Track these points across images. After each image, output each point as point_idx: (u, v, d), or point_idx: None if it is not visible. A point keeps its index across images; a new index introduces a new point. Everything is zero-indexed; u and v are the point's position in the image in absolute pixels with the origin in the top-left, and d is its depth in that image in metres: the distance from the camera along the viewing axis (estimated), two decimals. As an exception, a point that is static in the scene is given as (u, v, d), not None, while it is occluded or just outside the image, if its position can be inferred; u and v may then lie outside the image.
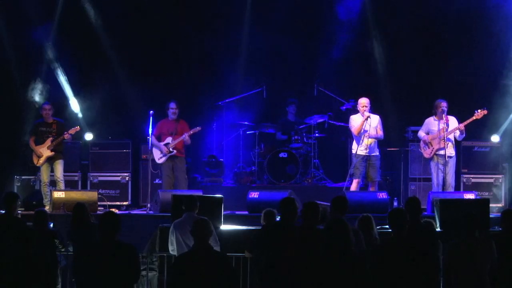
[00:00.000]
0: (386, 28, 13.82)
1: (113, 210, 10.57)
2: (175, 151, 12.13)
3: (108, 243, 6.29)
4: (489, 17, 13.19)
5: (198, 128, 12.35)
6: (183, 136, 12.13)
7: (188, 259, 6.32)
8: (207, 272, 6.14)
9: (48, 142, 12.08)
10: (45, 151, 12.07)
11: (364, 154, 11.65)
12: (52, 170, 12.15)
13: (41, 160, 12.08)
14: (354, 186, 11.72)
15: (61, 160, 12.17)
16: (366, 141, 11.61)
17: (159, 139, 12.25)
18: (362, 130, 11.59)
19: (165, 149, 12.09)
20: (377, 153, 11.81)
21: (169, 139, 12.17)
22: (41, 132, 12.19)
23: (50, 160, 12.12)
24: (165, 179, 12.26)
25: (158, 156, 12.20)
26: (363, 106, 11.63)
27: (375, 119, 11.73)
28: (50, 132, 12.16)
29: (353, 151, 11.74)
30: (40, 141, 12.13)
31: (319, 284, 5.96)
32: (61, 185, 12.06)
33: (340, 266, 5.87)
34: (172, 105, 12.29)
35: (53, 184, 12.19)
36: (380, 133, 11.77)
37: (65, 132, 12.09)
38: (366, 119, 11.55)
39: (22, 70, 14.05)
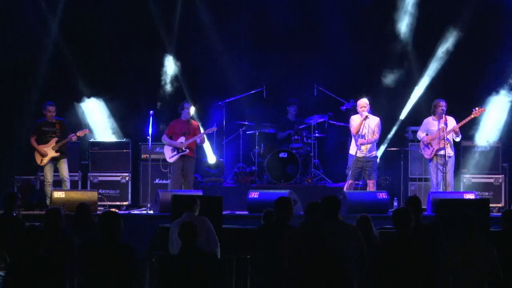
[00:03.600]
0: (386, 28, 13.81)
1: (113, 210, 10.55)
2: (187, 150, 12.12)
3: (108, 243, 6.26)
4: (490, 16, 13.23)
5: (214, 128, 12.48)
6: (198, 136, 12.14)
7: (174, 262, 6.31)
8: (193, 275, 6.12)
9: (53, 142, 12.02)
10: (49, 151, 12.01)
11: (361, 155, 11.64)
12: (55, 170, 12.12)
13: (45, 160, 12.02)
14: (346, 187, 11.72)
15: (65, 159, 12.15)
16: (362, 145, 11.62)
17: (171, 139, 12.24)
18: (361, 130, 11.61)
19: (179, 144, 12.06)
20: (374, 154, 11.82)
21: (182, 139, 12.15)
22: (44, 131, 12.10)
23: (54, 160, 12.08)
24: (173, 178, 12.27)
25: (169, 155, 12.19)
26: (362, 107, 11.66)
27: (373, 121, 11.73)
28: (54, 132, 12.10)
29: (350, 152, 11.76)
30: (43, 141, 12.05)
31: (308, 283, 6.03)
32: (67, 184, 12.06)
33: (317, 266, 5.96)
34: (187, 105, 12.32)
35: (56, 184, 12.15)
36: (376, 136, 11.76)
37: (73, 134, 12.10)
38: (365, 119, 11.57)
39: (21, 69, 14.07)
